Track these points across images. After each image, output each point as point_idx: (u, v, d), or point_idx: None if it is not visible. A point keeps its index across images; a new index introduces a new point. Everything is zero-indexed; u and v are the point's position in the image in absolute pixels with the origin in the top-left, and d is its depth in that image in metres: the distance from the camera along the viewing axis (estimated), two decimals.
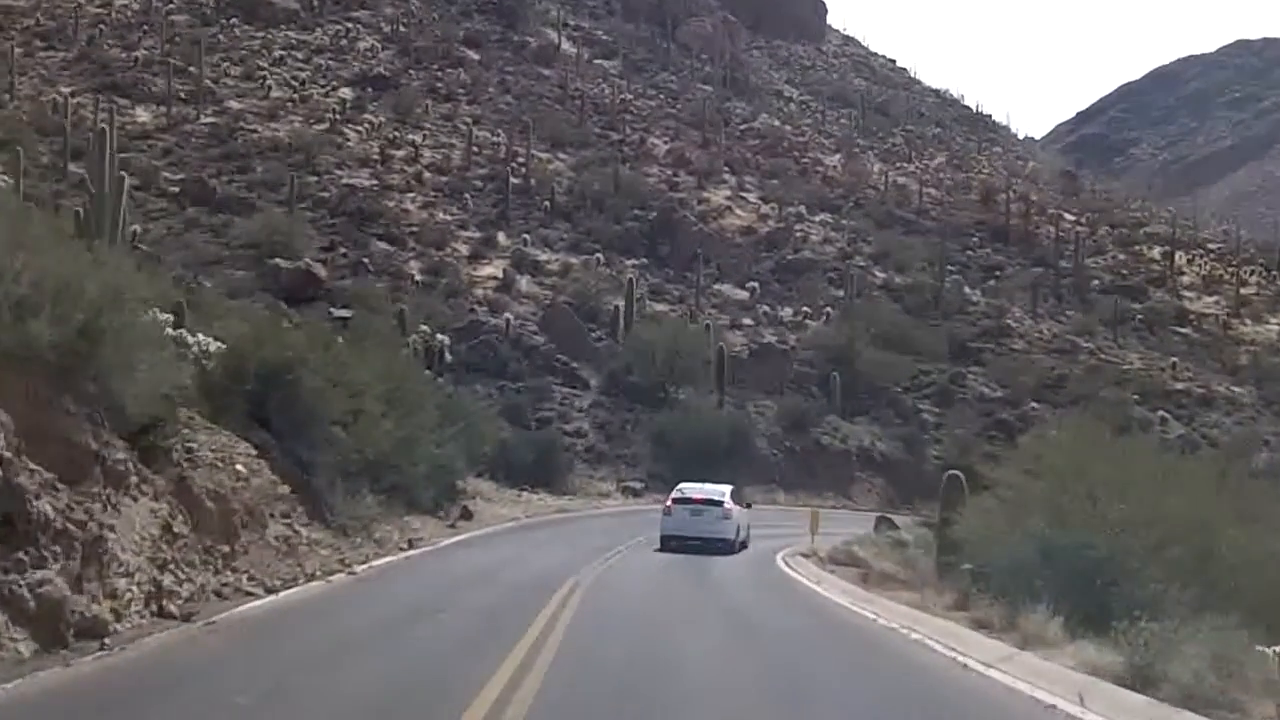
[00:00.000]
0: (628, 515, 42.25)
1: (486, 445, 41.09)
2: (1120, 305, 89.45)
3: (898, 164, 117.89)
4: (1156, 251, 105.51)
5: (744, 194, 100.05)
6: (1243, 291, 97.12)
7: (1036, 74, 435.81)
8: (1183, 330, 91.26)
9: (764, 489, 50.48)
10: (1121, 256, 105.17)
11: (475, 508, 36.69)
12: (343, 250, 71.76)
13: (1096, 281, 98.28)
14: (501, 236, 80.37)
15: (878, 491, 53.80)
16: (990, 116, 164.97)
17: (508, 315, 62.48)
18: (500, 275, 71.92)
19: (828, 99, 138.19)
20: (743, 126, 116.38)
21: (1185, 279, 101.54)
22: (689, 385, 55.07)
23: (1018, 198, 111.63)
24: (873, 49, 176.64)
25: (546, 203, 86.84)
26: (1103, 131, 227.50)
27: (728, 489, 33.24)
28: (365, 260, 70.65)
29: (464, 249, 77.32)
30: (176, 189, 75.55)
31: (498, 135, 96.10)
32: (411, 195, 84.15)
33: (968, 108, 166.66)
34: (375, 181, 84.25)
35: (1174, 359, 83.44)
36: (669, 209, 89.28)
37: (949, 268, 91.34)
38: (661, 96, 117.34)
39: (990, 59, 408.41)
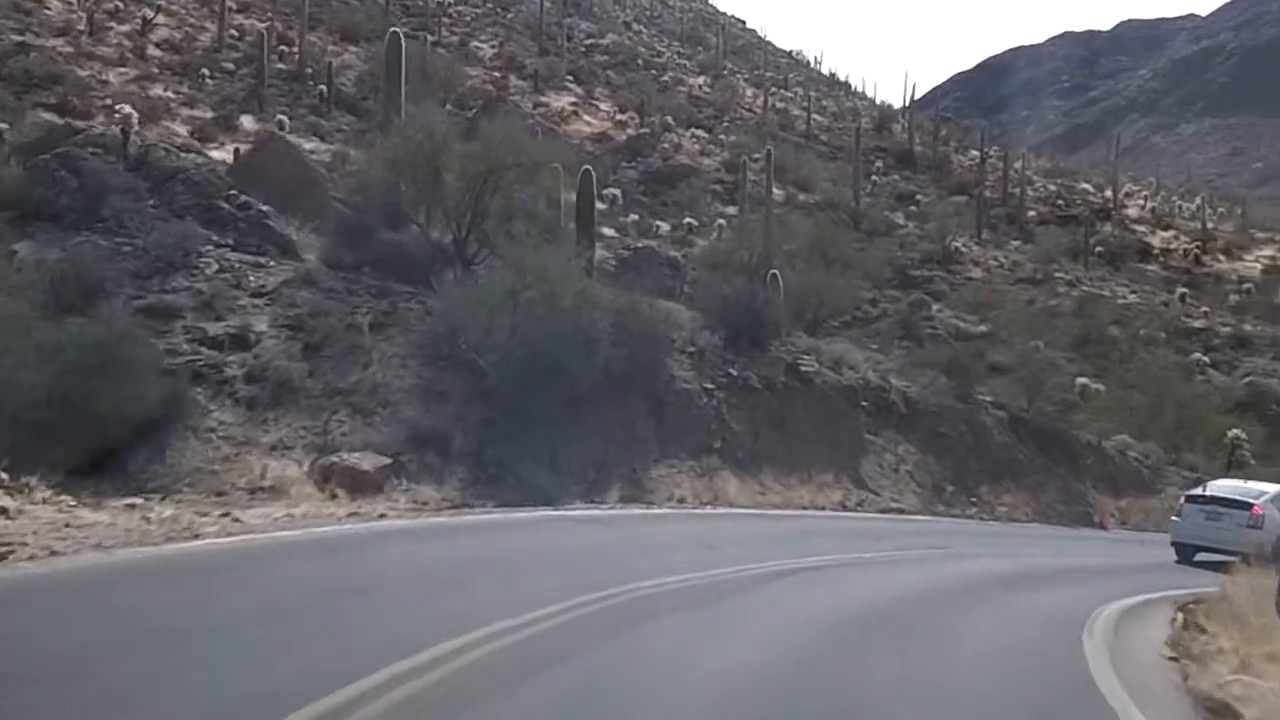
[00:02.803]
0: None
1: None
2: (1077, 235, 65.63)
3: (774, 89, 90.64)
4: (1090, 184, 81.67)
5: (594, 102, 71.29)
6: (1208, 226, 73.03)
7: (875, 62, 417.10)
8: (1149, 267, 66.60)
9: (699, 462, 21.16)
10: (1053, 187, 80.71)
11: None
12: None
13: (1033, 212, 73.53)
14: (248, 120, 50.12)
15: (912, 467, 24.79)
16: (847, 80, 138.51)
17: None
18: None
19: (678, 39, 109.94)
20: (588, 41, 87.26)
21: (1130, 212, 77.25)
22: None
23: (918, 126, 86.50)
24: (720, 8, 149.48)
25: (322, 88, 56.43)
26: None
27: (1273, 489, 22.83)
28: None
29: (183, 129, 46.72)
30: None
31: (267, 19, 65.62)
32: (123, 70, 53.29)
33: (821, 73, 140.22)
34: (71, 49, 53.10)
35: (1182, 291, 57.78)
36: (496, 102, 59.73)
37: (861, 190, 65.05)
38: (489, 4, 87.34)
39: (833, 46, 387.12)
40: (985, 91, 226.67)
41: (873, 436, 25.16)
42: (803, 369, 24.58)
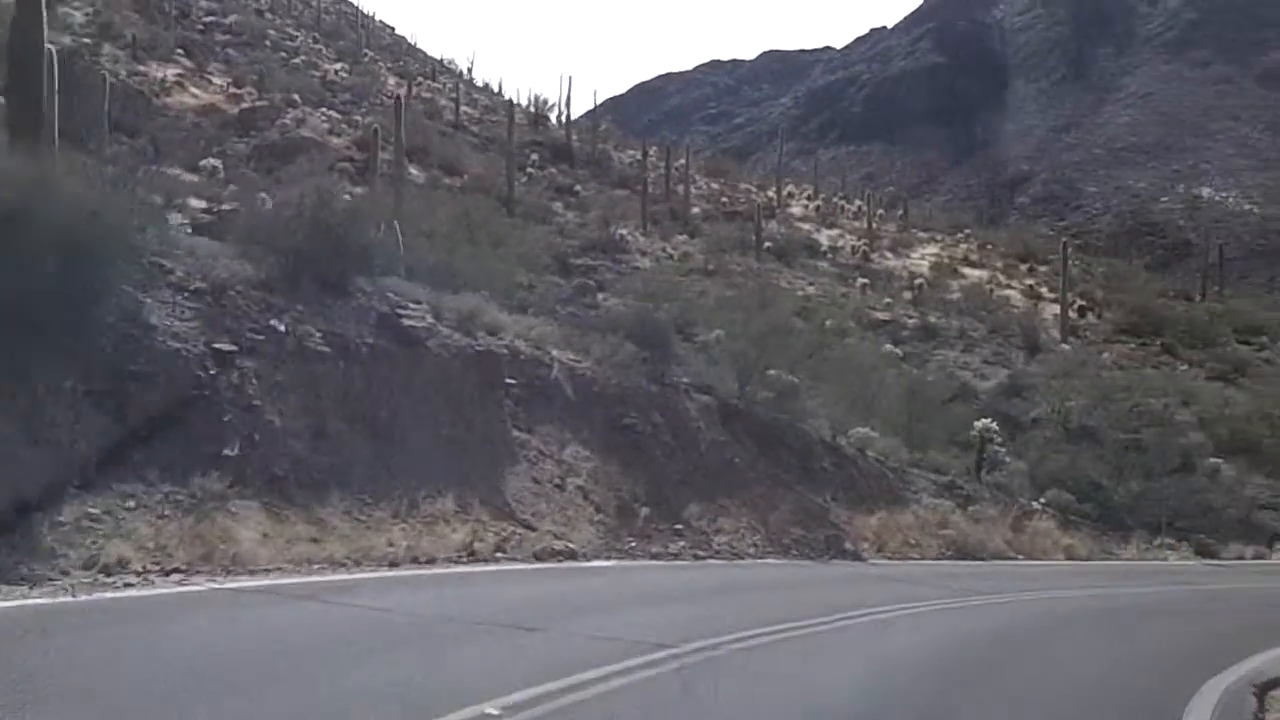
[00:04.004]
0: None
1: None
2: (745, 230, 59.25)
3: (420, 79, 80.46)
4: (751, 185, 75.99)
5: (206, 75, 58.66)
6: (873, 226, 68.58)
7: (530, 84, 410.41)
8: (819, 263, 60.90)
9: (191, 488, 10.44)
10: (715, 186, 74.48)
11: None
12: None
13: (697, 209, 66.72)
14: None
15: (586, 480, 14.98)
16: (500, 89, 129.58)
17: None
18: None
19: (318, 33, 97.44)
20: (208, 19, 73.93)
21: (795, 211, 72.10)
22: None
23: (574, 124, 78.46)
24: (367, 10, 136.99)
25: None
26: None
27: None
28: None
29: None
30: None
31: None
32: None
33: (475, 83, 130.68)
34: None
35: (863, 281, 51.69)
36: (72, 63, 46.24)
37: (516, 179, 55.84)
38: None
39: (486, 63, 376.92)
40: (636, 115, 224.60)
41: (524, 433, 15.21)
42: (408, 324, 14.28)
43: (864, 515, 19.38)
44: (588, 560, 13.56)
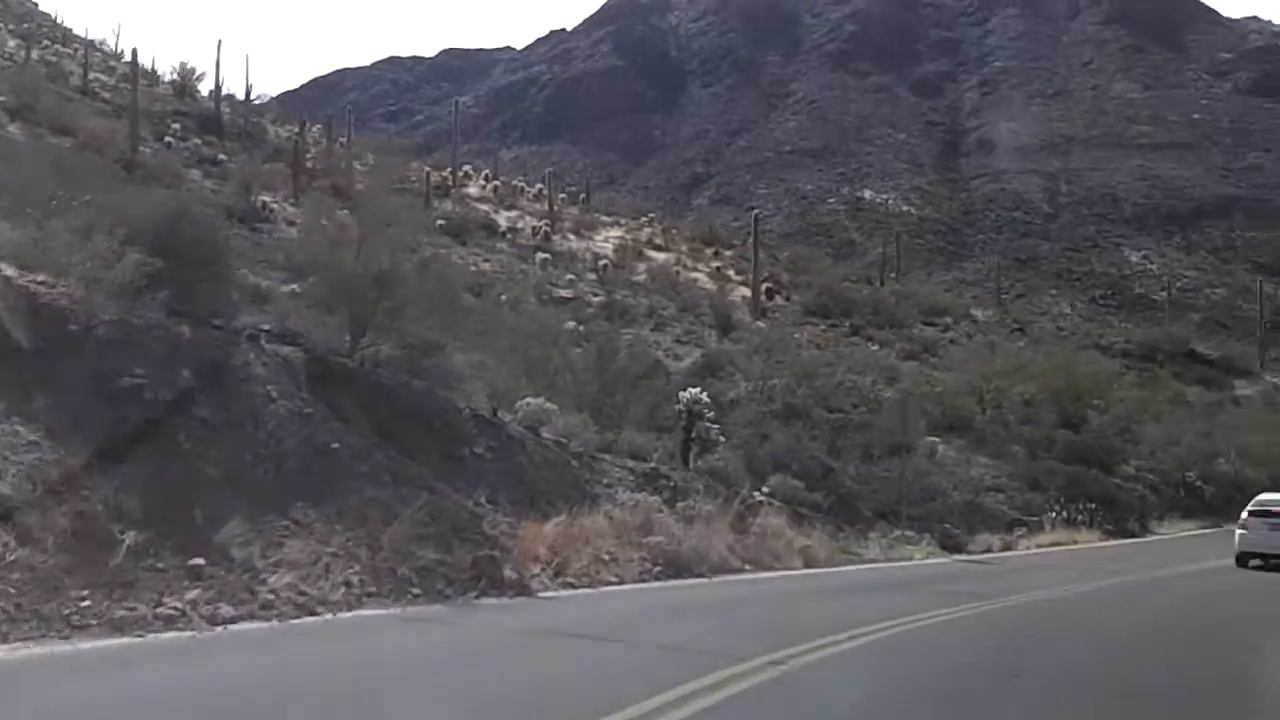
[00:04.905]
0: None
1: None
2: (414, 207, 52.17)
3: (44, 42, 68.58)
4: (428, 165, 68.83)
5: None
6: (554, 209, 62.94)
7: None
8: (498, 244, 54.72)
9: None
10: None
11: None
12: None
13: (362, 186, 59.04)
14: None
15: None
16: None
17: None
18: None
19: None
20: None
21: (471, 191, 65.61)
22: None
23: (226, 97, 68.51)
24: None
25: None
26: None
27: None
28: None
29: None
30: None
31: None
32: None
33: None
34: None
35: (544, 256, 45.73)
36: None
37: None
38: None
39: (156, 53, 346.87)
40: (314, 110, 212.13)
41: None
42: None
43: (537, 523, 12.64)
44: None
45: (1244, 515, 23.18)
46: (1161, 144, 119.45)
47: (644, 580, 12.96)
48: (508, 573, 11.04)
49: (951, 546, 21.16)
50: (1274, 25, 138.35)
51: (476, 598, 10.30)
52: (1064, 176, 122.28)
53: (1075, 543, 25.52)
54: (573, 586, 11.80)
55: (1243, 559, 22.41)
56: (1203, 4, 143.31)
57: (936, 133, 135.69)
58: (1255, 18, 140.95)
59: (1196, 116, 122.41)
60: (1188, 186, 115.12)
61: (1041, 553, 22.92)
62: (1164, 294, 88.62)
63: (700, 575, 14.00)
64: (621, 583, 12.48)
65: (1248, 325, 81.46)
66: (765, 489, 18.91)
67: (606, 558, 12.89)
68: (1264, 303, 71.68)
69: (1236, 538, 22.96)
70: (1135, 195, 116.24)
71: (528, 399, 15.66)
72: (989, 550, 21.81)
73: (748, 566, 15.36)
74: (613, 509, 14.36)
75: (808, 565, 16.56)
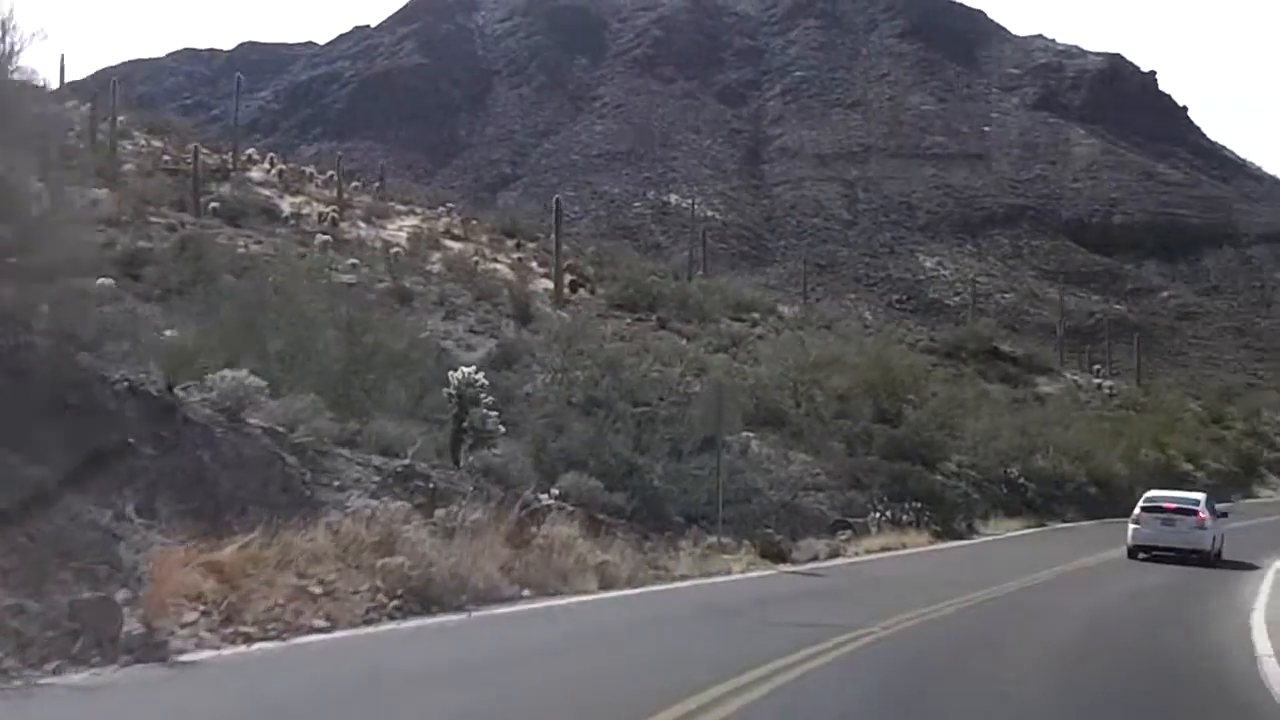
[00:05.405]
0: None
1: None
2: (184, 188, 47.19)
3: None
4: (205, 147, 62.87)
5: None
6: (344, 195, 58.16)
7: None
8: (280, 229, 49.73)
9: None
10: (158, 143, 60.94)
11: None
12: None
13: (130, 165, 53.27)
14: None
15: None
16: None
17: None
18: None
19: None
20: None
21: (254, 175, 60.11)
22: None
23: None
24: None
25: None
26: None
27: (1202, 496, 26.95)
28: None
29: None
30: None
31: None
32: None
33: None
34: None
35: (325, 238, 41.23)
36: None
37: None
38: None
39: None
40: (101, 101, 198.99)
41: None
42: None
43: (209, 541, 8.55)
44: None
45: (1136, 511, 25.57)
46: (954, 154, 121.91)
47: (371, 622, 9.03)
48: (132, 626, 6.96)
49: (774, 555, 17.89)
50: (1058, 44, 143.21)
51: (58, 671, 6.22)
52: (861, 185, 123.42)
53: (905, 546, 22.77)
54: (249, 640, 7.78)
55: (1133, 552, 24.77)
56: (994, 21, 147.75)
57: (740, 139, 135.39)
58: (1041, 35, 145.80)
59: (986, 129, 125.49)
60: (978, 196, 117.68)
61: (875, 559, 19.95)
62: (958, 297, 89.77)
63: (458, 609, 10.13)
64: (333, 628, 8.51)
65: (1037, 328, 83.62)
66: (555, 490, 15.17)
67: (317, 590, 8.92)
68: (1063, 305, 77.12)
69: (1129, 532, 24.98)
70: (929, 203, 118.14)
71: (223, 372, 11.46)
72: (816, 558, 18.69)
73: (526, 592, 11.56)
74: (340, 520, 10.38)
75: (604, 586, 12.85)
